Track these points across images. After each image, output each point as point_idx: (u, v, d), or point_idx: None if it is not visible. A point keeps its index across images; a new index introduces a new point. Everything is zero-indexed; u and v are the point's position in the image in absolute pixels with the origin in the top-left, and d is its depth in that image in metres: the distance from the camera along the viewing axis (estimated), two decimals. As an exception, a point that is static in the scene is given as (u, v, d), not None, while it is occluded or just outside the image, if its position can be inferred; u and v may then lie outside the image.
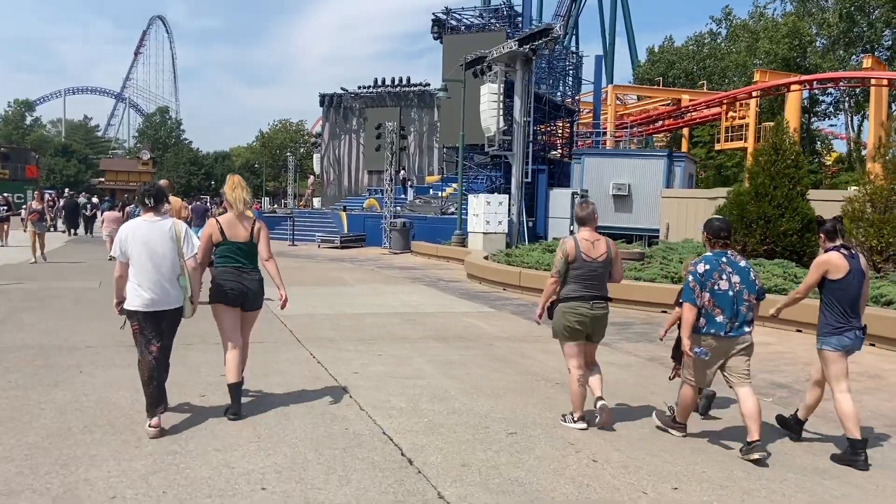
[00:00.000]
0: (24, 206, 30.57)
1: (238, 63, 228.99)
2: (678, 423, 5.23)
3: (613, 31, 73.50)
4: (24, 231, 19.15)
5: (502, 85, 20.72)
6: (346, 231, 28.00)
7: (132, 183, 66.62)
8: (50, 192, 43.51)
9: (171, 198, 10.77)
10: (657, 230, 25.17)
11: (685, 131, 47.33)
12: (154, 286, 4.92)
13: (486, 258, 17.02)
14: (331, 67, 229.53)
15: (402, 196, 34.24)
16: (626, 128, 35.32)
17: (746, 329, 4.88)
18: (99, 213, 27.86)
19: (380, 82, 40.98)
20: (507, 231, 20.97)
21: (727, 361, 4.90)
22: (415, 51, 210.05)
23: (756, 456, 4.68)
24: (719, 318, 4.81)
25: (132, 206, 15.50)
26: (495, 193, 22.11)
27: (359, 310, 11.10)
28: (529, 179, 22.62)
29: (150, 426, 4.86)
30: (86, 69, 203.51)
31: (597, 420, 5.29)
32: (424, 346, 8.42)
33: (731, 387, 5.00)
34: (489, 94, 20.36)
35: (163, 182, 11.33)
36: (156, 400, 4.94)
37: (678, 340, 5.15)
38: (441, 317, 10.73)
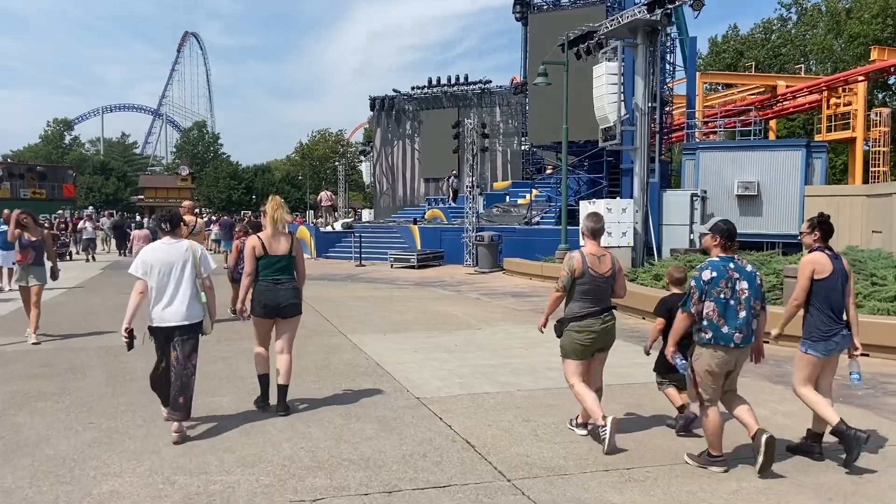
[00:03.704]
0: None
1: (271, 79, 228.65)
2: (715, 456, 4.72)
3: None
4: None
5: (622, 63, 16.80)
6: (419, 247, 24.25)
7: (171, 199, 63.96)
8: (56, 211, 39.97)
9: (188, 217, 11.44)
10: (796, 236, 20.93)
11: (773, 123, 42.65)
12: (174, 304, 5.41)
13: (632, 280, 13.11)
14: (363, 79, 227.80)
15: (455, 205, 30.41)
16: (721, 117, 30.94)
17: (752, 339, 4.68)
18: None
19: (434, 81, 37.31)
20: (632, 244, 16.99)
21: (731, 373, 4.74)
22: (448, 58, 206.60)
23: (766, 437, 4.48)
24: (725, 329, 4.58)
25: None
26: (617, 198, 18.13)
27: (534, 380, 7.28)
28: (656, 179, 18.60)
29: (167, 419, 5.46)
30: (123, 90, 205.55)
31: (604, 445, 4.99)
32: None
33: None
34: (607, 76, 16.46)
35: (187, 203, 12.58)
36: (171, 401, 5.41)
37: (661, 354, 5.24)
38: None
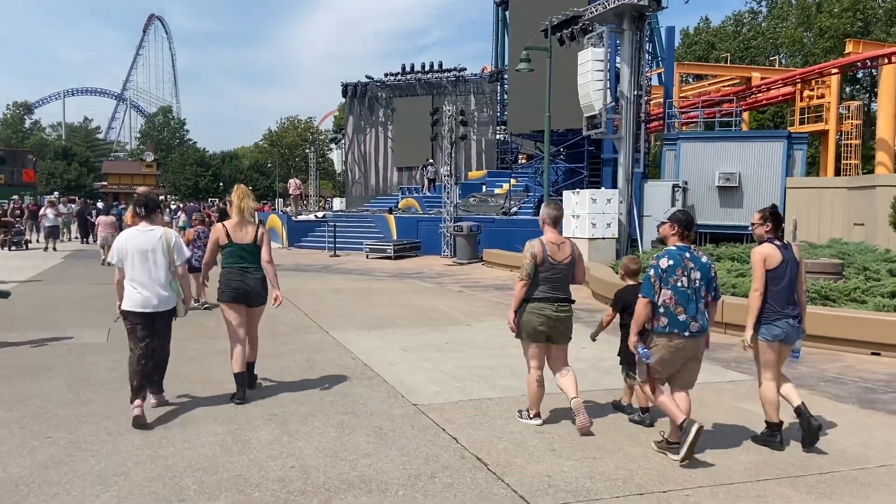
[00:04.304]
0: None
1: (238, 65, 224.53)
2: (672, 442, 4.78)
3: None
4: None
5: (609, 50, 16.30)
6: (395, 237, 23.59)
7: (136, 186, 62.20)
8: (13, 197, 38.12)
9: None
10: (778, 228, 20.77)
11: (745, 115, 42.75)
12: (148, 289, 5.48)
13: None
14: (332, 66, 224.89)
15: (430, 194, 29.82)
16: (701, 107, 30.70)
17: (707, 328, 4.76)
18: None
19: (408, 68, 36.47)
20: (617, 235, 16.57)
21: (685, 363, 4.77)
22: (414, 47, 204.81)
23: (695, 426, 4.49)
24: (682, 317, 4.66)
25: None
26: (602, 188, 17.66)
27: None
28: (641, 169, 18.20)
29: (135, 409, 5.34)
30: (86, 74, 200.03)
31: (575, 421, 5.24)
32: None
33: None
34: (593, 62, 15.96)
35: (141, 189, 12.36)
36: (139, 392, 5.41)
37: (625, 344, 5.30)
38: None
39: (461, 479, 4.39)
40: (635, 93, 16.69)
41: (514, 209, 24.32)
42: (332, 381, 6.77)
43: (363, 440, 5.11)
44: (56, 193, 41.48)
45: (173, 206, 38.29)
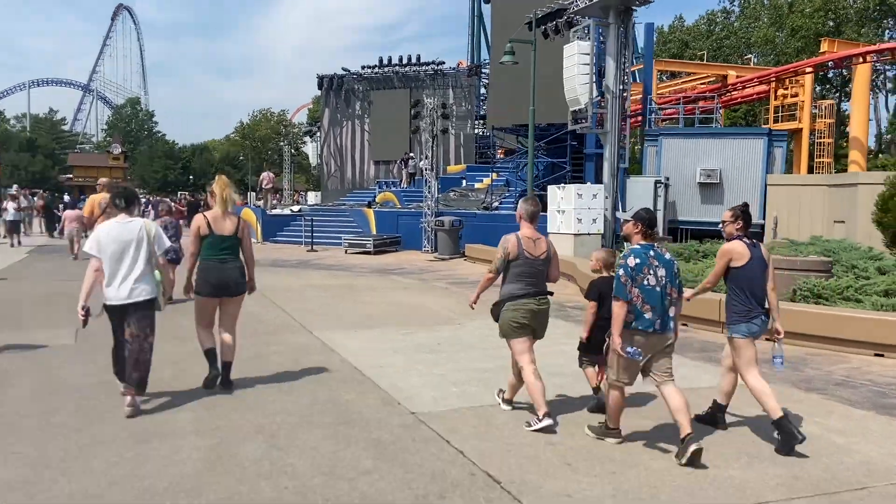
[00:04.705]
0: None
1: (208, 56, 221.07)
2: (612, 429, 4.98)
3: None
4: None
5: (595, 43, 15.99)
6: (374, 232, 23.10)
7: (103, 179, 60.62)
8: None
9: (92, 196, 12.31)
10: (759, 225, 20.68)
11: (717, 114, 42.94)
12: (128, 282, 5.42)
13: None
14: (304, 60, 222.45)
15: (408, 188, 29.41)
16: (682, 103, 30.62)
17: (672, 325, 4.78)
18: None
19: (385, 61, 35.90)
20: (602, 231, 16.31)
21: (652, 359, 4.77)
22: (389, 42, 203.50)
23: (694, 447, 4.46)
24: (648, 315, 4.67)
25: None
26: (588, 184, 17.35)
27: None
28: (626, 164, 17.93)
29: (124, 394, 5.47)
30: (52, 65, 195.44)
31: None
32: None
33: (656, 386, 4.87)
34: (579, 55, 15.62)
35: (103, 181, 12.90)
36: (126, 376, 5.52)
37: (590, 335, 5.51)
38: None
39: (474, 501, 4.00)
40: (620, 87, 16.42)
41: (496, 204, 23.97)
42: (320, 387, 6.35)
43: (361, 454, 4.70)
44: (15, 187, 40.13)
45: (143, 201, 37.31)
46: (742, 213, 5.19)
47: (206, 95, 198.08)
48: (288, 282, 14.09)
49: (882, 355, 7.81)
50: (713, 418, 5.37)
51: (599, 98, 16.64)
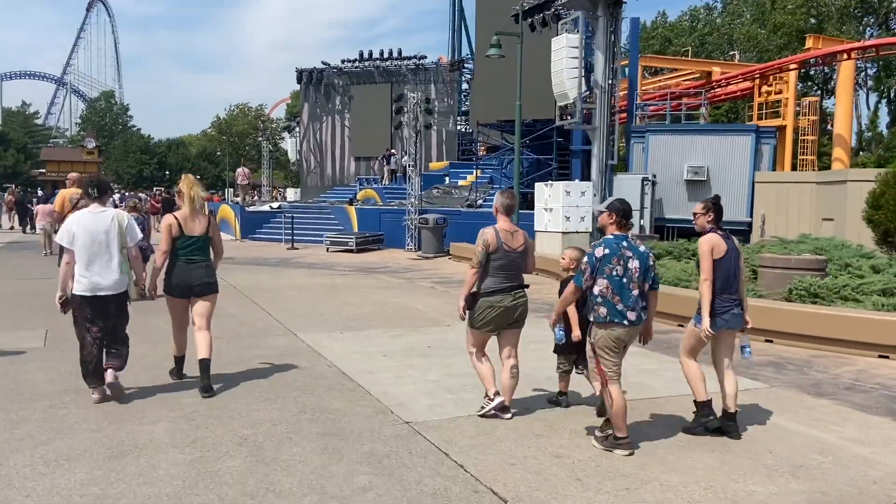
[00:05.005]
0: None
1: (183, 50, 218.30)
2: (620, 438, 4.66)
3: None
4: None
5: (584, 36, 15.69)
6: (356, 229, 22.66)
7: (73, 173, 59.31)
8: None
9: (63, 191, 12.18)
10: (746, 223, 20.61)
11: (704, 110, 42.99)
12: (99, 273, 5.41)
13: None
14: (282, 54, 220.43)
15: (390, 185, 29.04)
16: (669, 99, 30.44)
17: (643, 317, 4.72)
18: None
19: (366, 55, 35.36)
20: (590, 229, 16.05)
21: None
22: (369, 37, 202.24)
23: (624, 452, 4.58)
24: (619, 307, 4.61)
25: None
26: (577, 181, 17.04)
27: (539, 395, 6.04)
28: (615, 161, 17.68)
29: (94, 393, 5.50)
30: (24, 57, 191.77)
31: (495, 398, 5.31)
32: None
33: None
34: (567, 49, 15.31)
35: (73, 175, 12.30)
36: (95, 376, 5.48)
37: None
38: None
39: (481, 523, 3.67)
40: (609, 82, 16.15)
41: (480, 201, 23.65)
42: (307, 394, 5.98)
43: (354, 469, 4.35)
44: None
45: (117, 196, 36.56)
46: (713, 204, 5.19)
47: (182, 89, 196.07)
48: (268, 281, 13.66)
49: (887, 357, 7.59)
50: (725, 427, 5.06)
51: (588, 93, 16.35)
